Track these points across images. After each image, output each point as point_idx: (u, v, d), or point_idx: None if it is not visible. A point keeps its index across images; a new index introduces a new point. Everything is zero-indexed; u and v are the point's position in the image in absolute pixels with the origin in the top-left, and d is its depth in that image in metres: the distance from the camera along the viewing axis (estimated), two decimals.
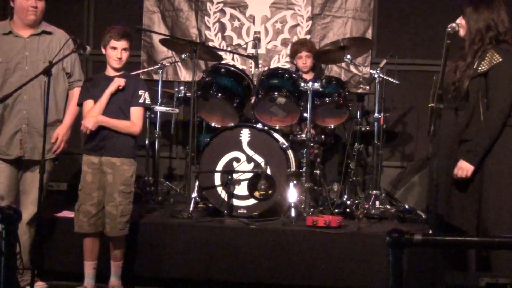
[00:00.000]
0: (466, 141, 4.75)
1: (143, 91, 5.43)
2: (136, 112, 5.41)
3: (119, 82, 5.33)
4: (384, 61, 6.97)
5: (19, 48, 5.45)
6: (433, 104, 4.42)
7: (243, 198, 6.12)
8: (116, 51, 5.35)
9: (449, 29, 4.68)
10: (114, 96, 5.35)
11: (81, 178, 5.39)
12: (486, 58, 4.73)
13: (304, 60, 7.18)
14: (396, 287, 3.29)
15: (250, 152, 6.14)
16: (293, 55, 7.34)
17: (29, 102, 5.40)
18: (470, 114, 4.74)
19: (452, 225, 4.80)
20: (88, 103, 5.37)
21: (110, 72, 5.46)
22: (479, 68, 4.72)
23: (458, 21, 4.84)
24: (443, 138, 4.72)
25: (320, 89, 6.33)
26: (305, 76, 7.00)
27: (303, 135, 6.48)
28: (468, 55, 4.79)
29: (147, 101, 5.46)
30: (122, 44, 5.37)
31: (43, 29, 5.52)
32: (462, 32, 4.84)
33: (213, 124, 6.64)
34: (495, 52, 4.71)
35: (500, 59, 4.67)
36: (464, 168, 4.69)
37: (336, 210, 6.36)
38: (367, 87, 7.15)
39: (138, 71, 7.72)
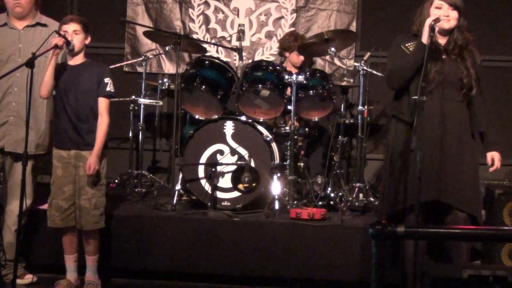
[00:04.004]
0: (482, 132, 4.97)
1: (108, 79, 5.36)
2: (104, 103, 5.32)
3: (57, 40, 5.14)
4: (368, 54, 6.99)
5: (14, 40, 5.46)
6: (416, 97, 4.43)
7: (226, 191, 6.12)
8: (67, 35, 5.21)
9: (432, 22, 4.68)
10: (78, 84, 5.28)
11: (52, 172, 5.36)
12: (475, 54, 4.86)
13: (302, 57, 7.20)
14: (378, 278, 3.30)
15: (234, 145, 6.14)
16: (289, 50, 7.29)
17: (19, 94, 5.39)
18: (479, 108, 4.91)
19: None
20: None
21: (70, 60, 5.37)
22: (477, 65, 4.87)
23: (447, 12, 4.82)
24: (452, 130, 4.83)
25: (304, 82, 6.33)
26: (295, 70, 7.02)
27: (287, 128, 6.49)
28: (463, 51, 4.87)
29: (112, 90, 5.36)
30: (72, 26, 5.25)
31: (37, 21, 5.52)
32: (448, 25, 4.83)
33: (197, 117, 6.62)
34: (474, 47, 4.86)
35: (478, 52, 4.84)
36: (500, 158, 4.94)
37: (320, 203, 6.36)
38: (351, 80, 7.17)
39: (122, 63, 7.70)
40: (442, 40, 4.89)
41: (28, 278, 5.54)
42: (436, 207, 4.82)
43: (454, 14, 4.81)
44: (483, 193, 6.27)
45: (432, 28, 4.64)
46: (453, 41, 4.85)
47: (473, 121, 4.91)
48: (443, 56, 4.86)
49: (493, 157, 4.95)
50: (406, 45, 4.93)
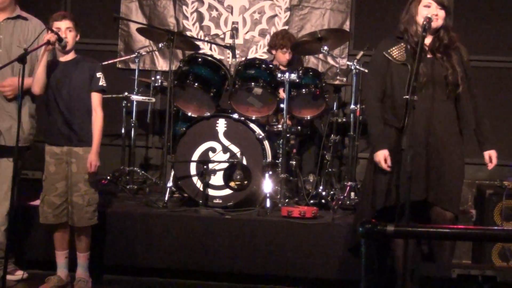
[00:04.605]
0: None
1: (100, 74, 5.34)
2: (97, 98, 5.32)
3: (49, 36, 5.13)
4: (361, 52, 6.99)
5: None
6: (407, 96, 4.43)
7: (218, 188, 6.13)
8: (60, 32, 5.19)
9: (425, 22, 4.69)
10: (70, 80, 5.27)
11: (44, 168, 5.34)
12: (462, 52, 4.86)
13: (287, 56, 7.19)
14: (368, 277, 3.31)
15: (226, 142, 6.15)
16: (275, 47, 7.30)
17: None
18: (466, 106, 4.87)
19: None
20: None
21: (61, 57, 5.36)
22: (464, 63, 4.86)
23: (436, 11, 4.83)
24: (439, 130, 4.83)
25: (297, 80, 6.34)
26: (283, 68, 7.02)
27: (280, 126, 6.49)
28: (449, 49, 4.86)
29: (104, 84, 5.35)
30: (65, 23, 5.23)
31: (18, 14, 5.49)
32: (435, 24, 4.84)
33: (189, 114, 6.63)
34: (461, 45, 4.89)
35: (466, 51, 4.84)
36: (497, 156, 4.93)
37: (311, 201, 6.38)
38: (344, 79, 7.17)
39: (115, 60, 7.70)
40: (427, 39, 4.87)
41: (19, 274, 5.53)
42: (423, 206, 4.83)
43: (442, 13, 4.82)
44: (474, 193, 6.30)
45: (424, 28, 4.65)
46: (438, 40, 4.87)
47: (461, 119, 4.90)
48: (428, 56, 4.87)
49: (491, 155, 4.94)
50: (388, 51, 4.94)
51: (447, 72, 4.80)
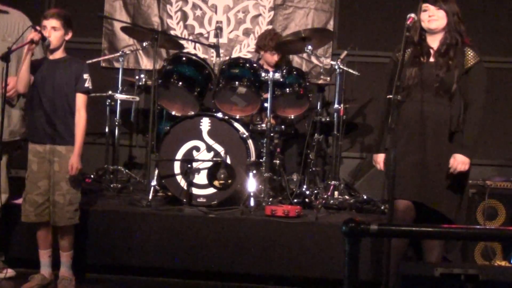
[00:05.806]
0: (457, 132, 4.89)
1: (87, 75, 5.33)
2: (82, 99, 5.30)
3: (33, 35, 5.12)
4: (345, 52, 7.02)
5: None
6: (390, 96, 4.46)
7: (202, 187, 6.13)
8: (45, 31, 5.20)
9: (408, 22, 4.71)
10: (55, 78, 5.26)
11: (27, 167, 5.32)
12: (467, 55, 4.86)
13: (276, 57, 7.21)
14: (351, 276, 3.32)
15: (210, 141, 6.15)
16: (263, 48, 7.30)
17: None
18: (458, 108, 4.85)
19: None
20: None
21: (50, 55, 5.35)
22: (464, 66, 4.85)
23: (432, 13, 4.86)
24: (431, 132, 4.86)
25: (281, 80, 6.35)
26: (271, 69, 7.04)
27: (263, 125, 6.51)
28: (450, 50, 4.87)
29: (90, 86, 5.35)
30: (51, 22, 5.22)
31: None
32: (434, 25, 4.87)
33: (173, 113, 6.63)
34: (471, 50, 4.89)
35: (478, 58, 4.89)
36: (464, 162, 4.82)
37: (295, 200, 6.39)
38: (328, 78, 7.18)
39: (99, 58, 7.68)
40: (434, 42, 4.93)
41: (8, 273, 5.52)
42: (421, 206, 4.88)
43: (441, 14, 4.86)
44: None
45: (407, 28, 4.68)
46: (442, 41, 4.89)
47: (452, 122, 4.89)
48: (431, 60, 4.90)
49: (455, 158, 4.86)
50: (396, 54, 5.03)
51: (440, 71, 4.82)
